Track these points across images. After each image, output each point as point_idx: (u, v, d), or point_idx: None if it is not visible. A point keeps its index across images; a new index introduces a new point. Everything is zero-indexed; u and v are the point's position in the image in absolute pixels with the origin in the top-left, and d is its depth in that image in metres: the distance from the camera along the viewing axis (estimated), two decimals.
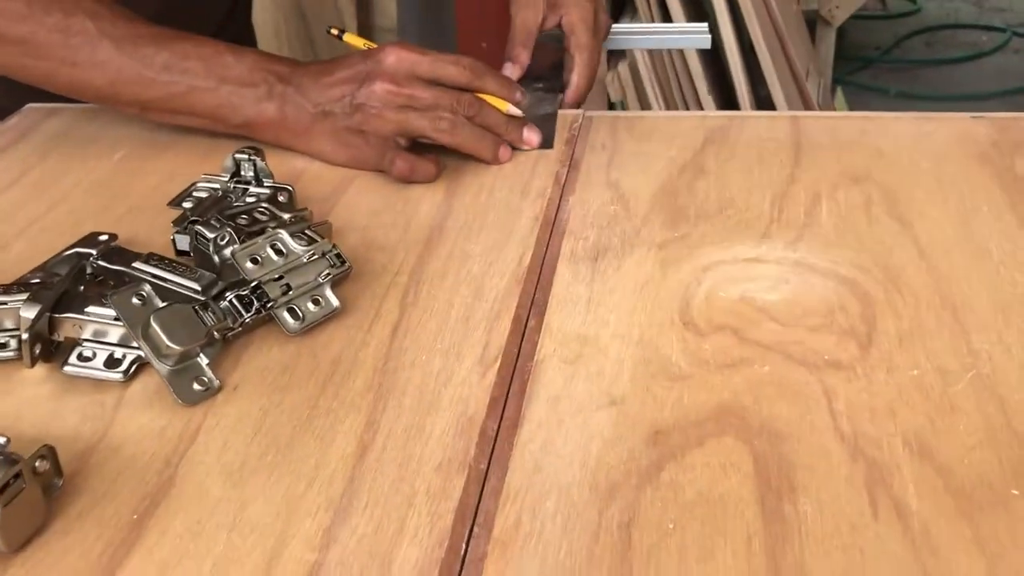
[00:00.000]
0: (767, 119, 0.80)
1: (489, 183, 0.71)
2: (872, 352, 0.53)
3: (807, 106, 2.02)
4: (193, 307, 0.53)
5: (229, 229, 0.59)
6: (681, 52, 1.84)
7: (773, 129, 0.78)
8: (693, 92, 1.91)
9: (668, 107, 1.91)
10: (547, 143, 0.76)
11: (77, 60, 0.72)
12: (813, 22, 2.58)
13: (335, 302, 0.58)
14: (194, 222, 0.61)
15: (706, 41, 0.91)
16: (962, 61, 3.29)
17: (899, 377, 0.51)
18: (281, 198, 0.67)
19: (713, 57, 1.95)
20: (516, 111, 0.75)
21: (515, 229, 0.66)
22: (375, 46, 0.74)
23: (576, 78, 0.82)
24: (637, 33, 0.94)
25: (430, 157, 0.71)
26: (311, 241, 0.59)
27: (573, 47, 0.83)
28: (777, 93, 1.90)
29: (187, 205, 0.67)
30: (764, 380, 0.51)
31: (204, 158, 0.77)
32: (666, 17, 1.83)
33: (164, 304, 0.53)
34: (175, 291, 0.56)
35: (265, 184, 0.68)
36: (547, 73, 0.84)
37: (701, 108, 1.91)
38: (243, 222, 0.61)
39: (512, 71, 0.82)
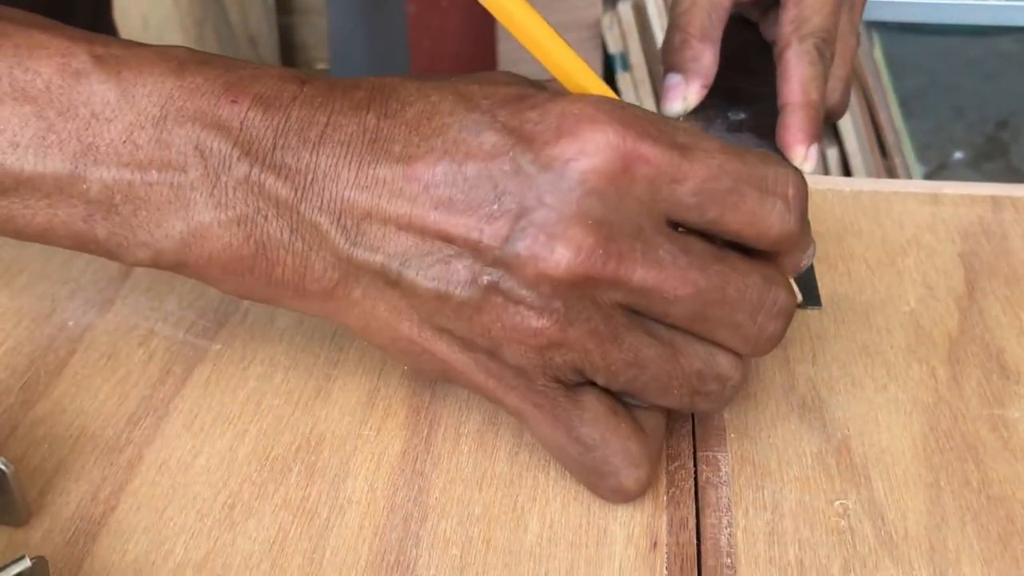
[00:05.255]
0: None
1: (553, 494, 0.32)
2: None
3: None
4: None
5: None
6: None
7: None
8: None
9: None
10: (812, 297, 0.33)
11: None
12: None
13: None
14: None
15: None
16: None
17: None
18: None
19: None
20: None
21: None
22: (607, 93, 0.29)
23: (796, 115, 0.36)
24: None
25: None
26: None
27: (786, 36, 0.36)
28: None
29: None
30: None
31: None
32: None
33: None
34: None
35: None
36: (751, 86, 0.39)
37: None
38: None
39: (690, 92, 0.37)
